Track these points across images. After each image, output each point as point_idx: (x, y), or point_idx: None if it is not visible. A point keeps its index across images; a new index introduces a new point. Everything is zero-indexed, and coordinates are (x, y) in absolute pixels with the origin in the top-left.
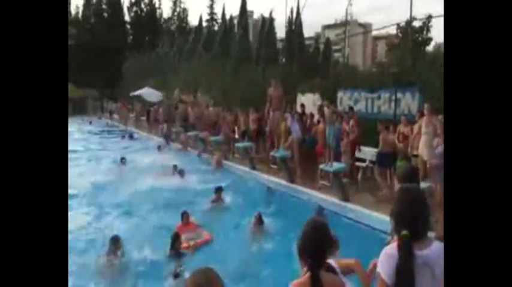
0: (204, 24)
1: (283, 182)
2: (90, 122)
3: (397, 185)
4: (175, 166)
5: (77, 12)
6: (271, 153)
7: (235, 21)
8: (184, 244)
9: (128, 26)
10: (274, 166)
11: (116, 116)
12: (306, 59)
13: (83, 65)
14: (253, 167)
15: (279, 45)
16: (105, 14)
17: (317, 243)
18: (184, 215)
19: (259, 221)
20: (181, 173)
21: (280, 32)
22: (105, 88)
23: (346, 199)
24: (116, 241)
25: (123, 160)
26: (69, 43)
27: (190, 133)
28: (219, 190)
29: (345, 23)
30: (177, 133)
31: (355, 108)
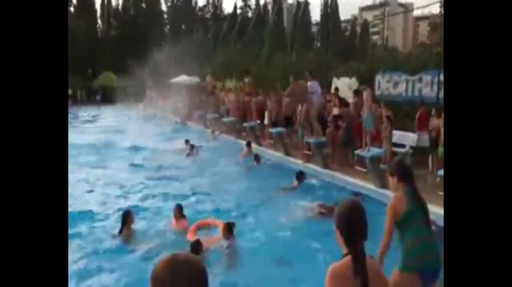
0: (238, 11)
1: (318, 168)
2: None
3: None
4: (257, 156)
5: (117, 4)
6: (306, 139)
7: (270, 7)
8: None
9: (165, 16)
10: (308, 152)
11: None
12: (342, 43)
13: (123, 55)
14: (287, 153)
15: (314, 29)
16: (144, 5)
17: (356, 223)
18: (177, 209)
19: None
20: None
21: (316, 15)
22: (145, 77)
23: (383, 185)
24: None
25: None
26: (112, 34)
27: (225, 119)
28: (300, 175)
29: (383, 4)
30: (211, 120)
31: (395, 92)
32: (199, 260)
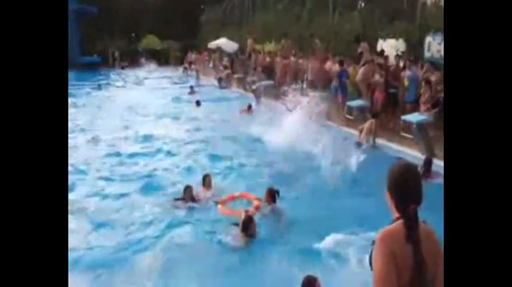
0: None
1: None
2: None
3: None
4: None
5: None
6: (348, 103)
7: None
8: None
9: None
10: (350, 116)
11: (193, 66)
12: (389, 2)
13: (165, 19)
14: (328, 118)
15: None
16: None
17: (409, 185)
18: (207, 179)
19: None
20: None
21: None
22: (186, 40)
23: (431, 153)
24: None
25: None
26: None
27: (264, 82)
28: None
29: None
30: (251, 83)
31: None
32: None
